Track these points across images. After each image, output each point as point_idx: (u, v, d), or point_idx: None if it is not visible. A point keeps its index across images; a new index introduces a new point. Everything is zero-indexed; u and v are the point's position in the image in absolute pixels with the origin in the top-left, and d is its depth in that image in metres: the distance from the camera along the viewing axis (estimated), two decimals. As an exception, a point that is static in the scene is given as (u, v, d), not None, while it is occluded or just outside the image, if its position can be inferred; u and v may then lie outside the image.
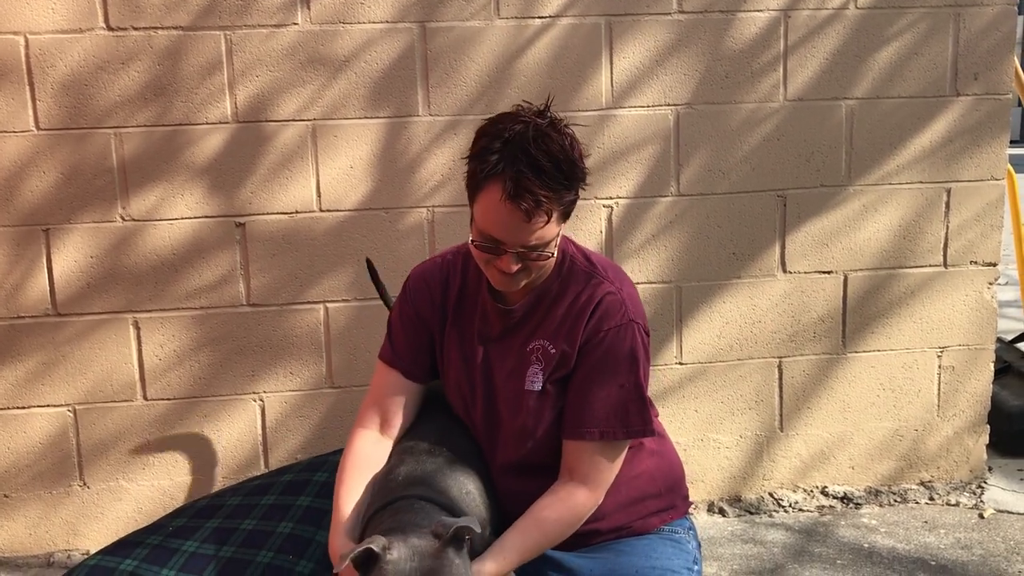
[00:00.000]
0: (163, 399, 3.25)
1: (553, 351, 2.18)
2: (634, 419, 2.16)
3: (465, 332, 2.28)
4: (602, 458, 2.16)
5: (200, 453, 3.29)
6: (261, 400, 3.28)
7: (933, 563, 3.05)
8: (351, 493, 2.19)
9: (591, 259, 2.26)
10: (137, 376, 3.23)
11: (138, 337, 3.21)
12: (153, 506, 3.26)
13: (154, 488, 3.29)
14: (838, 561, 3.09)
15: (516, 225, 1.98)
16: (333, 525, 2.15)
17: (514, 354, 2.22)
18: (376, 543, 1.78)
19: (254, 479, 2.87)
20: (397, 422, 2.32)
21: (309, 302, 3.25)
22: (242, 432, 3.30)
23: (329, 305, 3.25)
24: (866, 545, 3.20)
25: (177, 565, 2.52)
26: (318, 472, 2.78)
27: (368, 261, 2.89)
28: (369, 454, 2.26)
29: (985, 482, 3.59)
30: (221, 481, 3.28)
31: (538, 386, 2.18)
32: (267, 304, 3.23)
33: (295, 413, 3.30)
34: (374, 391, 2.35)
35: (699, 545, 2.45)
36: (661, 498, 2.43)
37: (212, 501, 2.78)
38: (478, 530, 1.84)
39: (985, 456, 3.61)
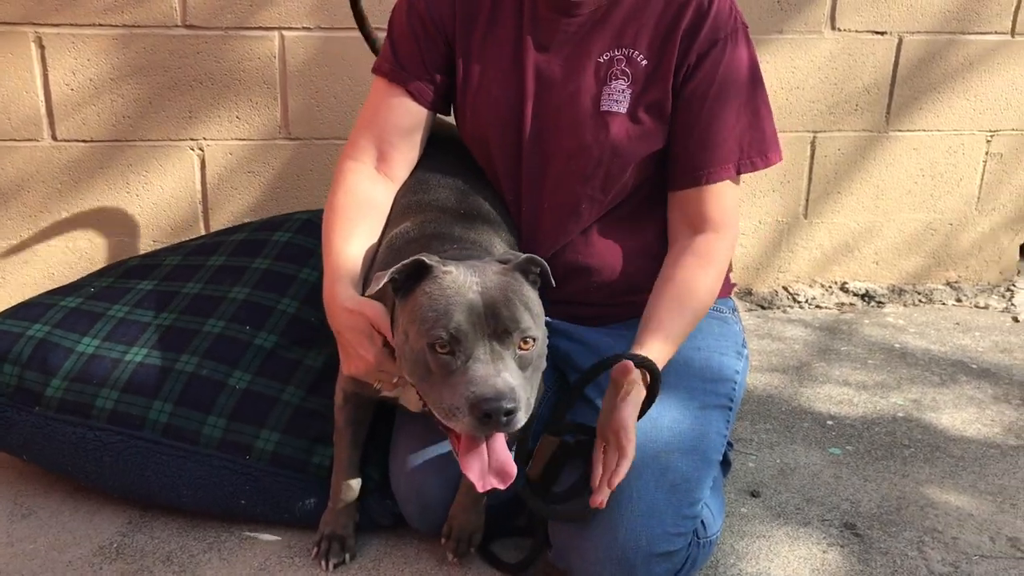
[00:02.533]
0: (77, 140, 2.65)
1: (644, 62, 1.69)
2: (765, 145, 1.75)
3: (504, 39, 1.75)
4: (732, 196, 1.77)
5: (124, 210, 2.72)
6: (200, 149, 2.70)
7: (974, 366, 2.72)
8: (351, 237, 1.71)
9: None
10: (43, 110, 2.60)
11: (42, 59, 2.56)
12: (67, 271, 2.74)
13: (68, 250, 2.73)
14: (869, 361, 2.73)
15: None
16: (330, 273, 1.68)
17: (583, 65, 1.71)
18: (427, 257, 1.40)
19: (196, 239, 2.34)
20: (398, 158, 1.81)
21: (261, 28, 2.62)
22: (176, 186, 2.73)
23: (286, 33, 2.64)
24: (897, 345, 2.85)
25: (102, 333, 2.00)
26: (278, 231, 2.27)
27: None
28: (367, 193, 1.76)
29: (1014, 285, 3.25)
30: (151, 245, 2.75)
31: (623, 107, 1.69)
32: (208, 27, 2.60)
33: (242, 167, 2.73)
34: (368, 114, 1.82)
35: (743, 329, 2.04)
36: (704, 274, 1.99)
37: (144, 261, 2.26)
38: (549, 273, 1.49)
39: (1017, 258, 3.26)
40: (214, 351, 1.97)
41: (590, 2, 1.69)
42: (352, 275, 1.64)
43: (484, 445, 1.41)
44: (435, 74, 1.78)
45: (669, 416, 1.74)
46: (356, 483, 1.82)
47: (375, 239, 1.73)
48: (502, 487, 1.41)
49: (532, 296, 1.46)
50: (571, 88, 1.71)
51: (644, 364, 1.58)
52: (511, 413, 1.33)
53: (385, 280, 1.42)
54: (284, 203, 2.75)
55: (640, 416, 1.60)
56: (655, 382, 1.60)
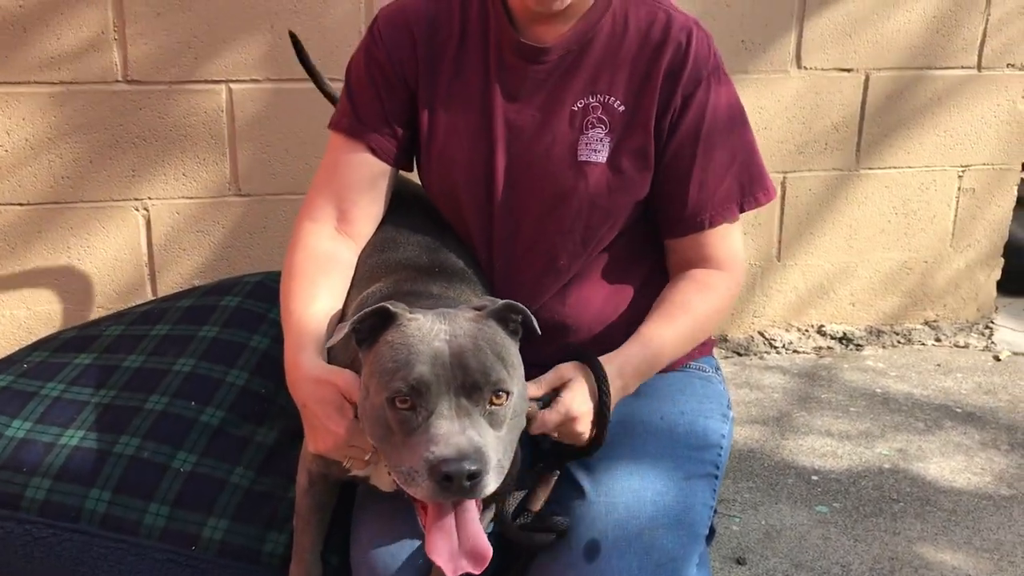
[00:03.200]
0: (13, 204, 2.52)
1: (622, 108, 1.59)
2: (764, 180, 1.68)
3: (471, 89, 1.65)
4: (737, 236, 1.69)
5: (65, 276, 2.58)
6: (145, 209, 2.57)
7: (959, 410, 2.63)
8: (313, 299, 1.57)
9: None
10: (-25, 173, 2.46)
11: (-26, 120, 2.42)
12: (4, 342, 2.59)
13: (5, 319, 2.59)
14: (851, 408, 2.63)
15: None
16: (292, 340, 1.54)
17: (556, 114, 1.62)
18: (392, 304, 1.31)
19: (140, 305, 2.20)
20: (360, 216, 1.69)
21: (207, 81, 2.51)
22: (121, 249, 2.60)
23: (234, 86, 2.52)
24: (878, 390, 2.76)
25: (34, 414, 1.85)
26: (228, 295, 2.13)
27: (293, 37, 2.13)
28: (328, 251, 1.64)
29: (992, 322, 3.18)
30: (96, 312, 2.60)
31: (601, 157, 1.60)
32: (151, 82, 2.48)
33: (190, 227, 2.60)
34: (325, 173, 1.70)
35: (727, 389, 1.93)
36: (686, 330, 1.88)
37: (84, 332, 2.10)
38: (532, 320, 1.36)
39: (995, 294, 3.19)
40: (156, 431, 1.82)
41: (558, 47, 1.59)
42: (317, 341, 1.51)
43: (453, 522, 1.27)
44: (396, 127, 1.66)
45: (653, 489, 1.62)
46: (316, 568, 1.68)
47: (340, 301, 1.60)
48: (476, 572, 1.26)
49: (507, 345, 1.33)
50: (545, 139, 1.61)
51: (583, 356, 1.51)
52: (475, 477, 1.19)
53: (346, 331, 1.29)
54: (237, 264, 2.62)
55: (600, 418, 1.50)
56: (598, 373, 1.50)
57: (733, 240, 1.69)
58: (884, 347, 3.06)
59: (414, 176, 1.79)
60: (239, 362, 1.97)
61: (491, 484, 1.22)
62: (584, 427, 1.49)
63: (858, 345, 3.04)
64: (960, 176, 3.02)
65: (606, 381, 1.50)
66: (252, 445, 1.86)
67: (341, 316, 1.60)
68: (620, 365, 1.56)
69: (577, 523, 1.58)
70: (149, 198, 2.56)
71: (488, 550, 1.27)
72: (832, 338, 3.04)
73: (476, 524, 1.28)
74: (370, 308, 1.31)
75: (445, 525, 1.26)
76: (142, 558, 1.70)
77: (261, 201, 2.61)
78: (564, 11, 1.54)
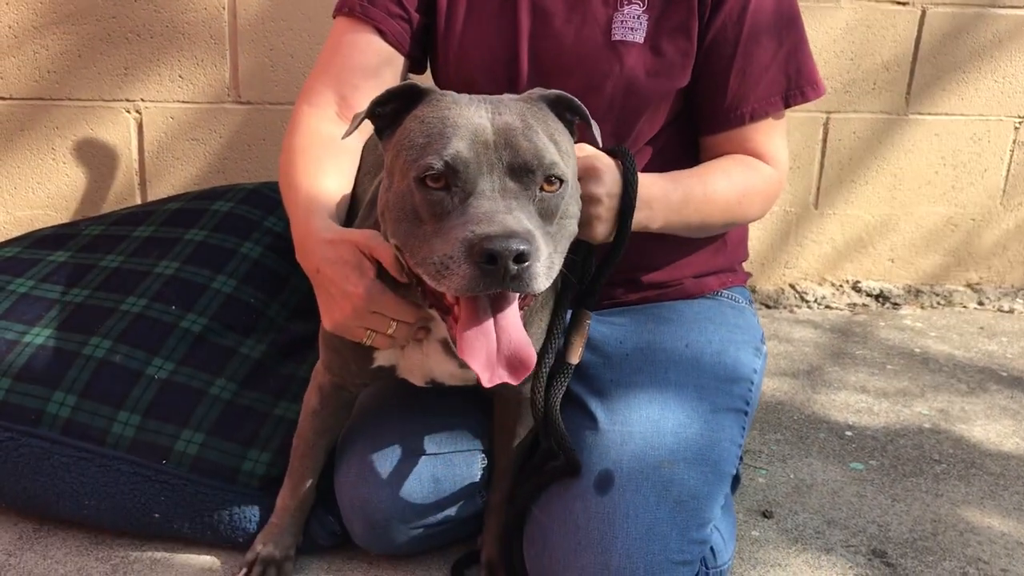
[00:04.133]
0: (-7, 98, 2.33)
1: None
2: (813, 73, 1.52)
3: None
4: (780, 134, 1.54)
5: (49, 179, 2.41)
6: (137, 111, 2.39)
7: (1004, 374, 2.44)
8: (321, 175, 1.40)
9: None
10: (-46, 61, 2.28)
11: (-46, 1, 2.24)
12: (-19, 247, 2.38)
13: (-17, 223, 2.41)
14: (888, 366, 2.44)
15: None
16: (301, 209, 1.37)
17: None
18: (421, 83, 1.16)
19: (125, 208, 2.05)
20: (363, 102, 1.52)
21: (209, -26, 2.32)
22: (109, 154, 2.42)
23: (238, -19, 2.33)
24: (917, 350, 2.56)
25: (-2, 310, 1.68)
26: (219, 200, 1.97)
27: None
28: (332, 134, 1.49)
29: (1040, 289, 2.98)
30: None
31: (639, 36, 1.45)
32: (147, -29, 2.29)
33: (185, 133, 2.42)
34: (326, 56, 1.56)
35: (760, 324, 1.76)
36: (721, 254, 1.71)
37: (60, 230, 1.94)
38: (592, 121, 1.19)
39: (1043, 258, 2.99)
40: (131, 334, 1.66)
41: None
42: (328, 208, 1.34)
43: (491, 320, 1.07)
44: (411, 10, 1.50)
45: (674, 419, 1.45)
46: (311, 496, 1.51)
47: (347, 186, 1.43)
48: (514, 382, 1.08)
49: (561, 130, 1.15)
50: (575, 20, 1.46)
51: (613, 151, 1.33)
52: (524, 259, 0.99)
53: (364, 114, 1.13)
54: (233, 175, 2.44)
55: (624, 208, 1.31)
56: (627, 164, 1.32)
57: (776, 139, 1.53)
58: (923, 307, 2.86)
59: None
60: (227, 268, 1.81)
61: (541, 278, 1.02)
62: (601, 188, 1.27)
63: (895, 304, 2.84)
64: (1016, 128, 2.80)
65: (635, 172, 1.31)
66: (236, 357, 1.69)
67: (351, 204, 1.44)
68: (650, 181, 1.38)
69: (589, 452, 1.41)
70: (142, 100, 2.38)
71: (531, 356, 1.08)
72: (868, 295, 2.85)
73: (518, 326, 1.08)
74: (394, 87, 1.14)
75: (482, 322, 1.07)
76: (107, 469, 1.53)
77: (261, 110, 2.42)
78: None
